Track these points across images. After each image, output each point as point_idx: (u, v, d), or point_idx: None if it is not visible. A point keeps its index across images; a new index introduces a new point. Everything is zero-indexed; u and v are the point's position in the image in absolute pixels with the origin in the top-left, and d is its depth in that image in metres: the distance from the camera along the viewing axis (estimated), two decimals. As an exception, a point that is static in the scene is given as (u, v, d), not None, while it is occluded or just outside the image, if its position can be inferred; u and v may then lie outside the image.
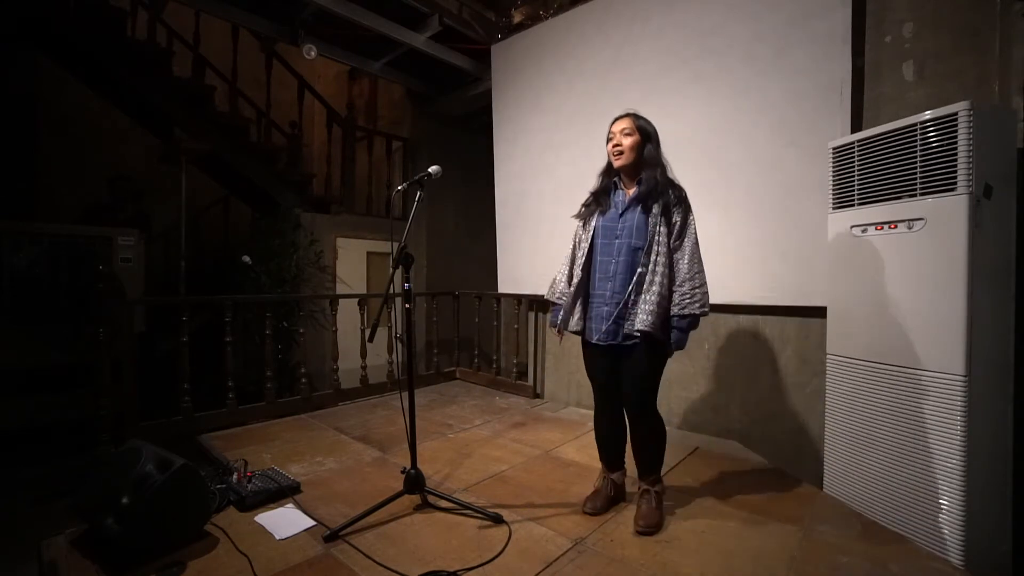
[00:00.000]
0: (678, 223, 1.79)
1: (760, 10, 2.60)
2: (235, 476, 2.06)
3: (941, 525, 1.68)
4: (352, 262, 4.86)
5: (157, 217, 4.67)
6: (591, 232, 1.91)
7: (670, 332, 1.77)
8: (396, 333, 2.03)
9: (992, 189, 1.68)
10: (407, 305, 1.96)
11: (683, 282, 1.75)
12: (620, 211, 1.86)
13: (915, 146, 1.77)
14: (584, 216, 1.97)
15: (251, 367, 3.92)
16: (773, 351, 2.66)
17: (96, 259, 3.32)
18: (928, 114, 1.75)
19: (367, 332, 2.22)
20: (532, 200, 3.88)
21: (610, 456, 2.00)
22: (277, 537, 1.72)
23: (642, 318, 1.72)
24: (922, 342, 1.76)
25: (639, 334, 1.73)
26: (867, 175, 1.96)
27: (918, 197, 1.77)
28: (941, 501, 1.69)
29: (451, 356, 4.48)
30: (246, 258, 3.96)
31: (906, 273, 1.82)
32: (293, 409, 3.24)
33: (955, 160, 1.66)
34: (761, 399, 2.71)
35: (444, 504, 1.94)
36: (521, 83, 3.91)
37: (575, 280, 1.91)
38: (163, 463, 1.67)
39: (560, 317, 1.95)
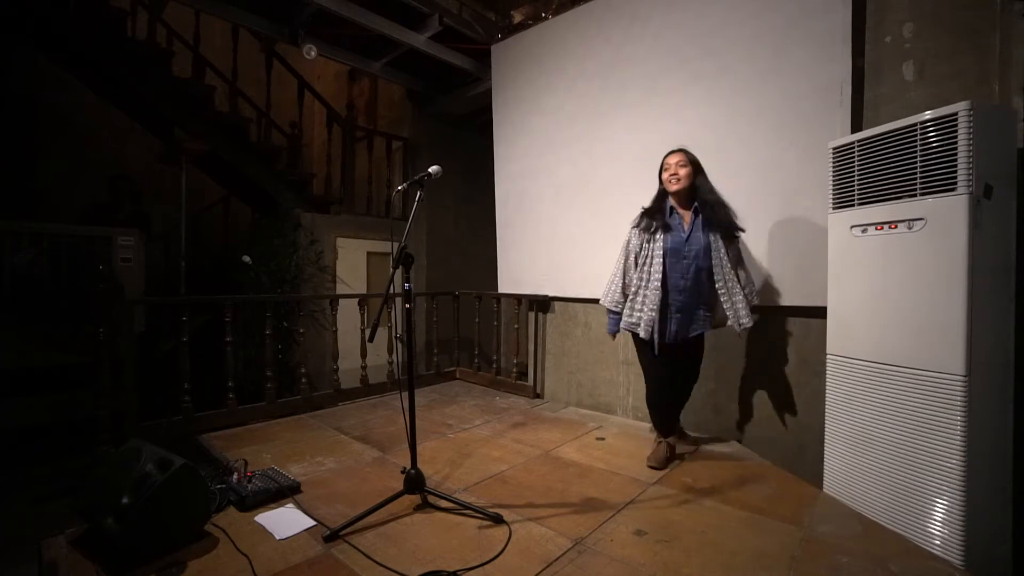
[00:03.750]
0: (734, 242, 2.27)
1: (760, 10, 2.60)
2: (235, 476, 2.06)
3: (941, 525, 1.68)
4: (352, 262, 4.86)
5: (157, 217, 4.67)
6: (658, 251, 2.24)
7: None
8: (396, 333, 2.03)
9: (992, 189, 1.68)
10: (407, 305, 1.96)
11: (745, 287, 2.27)
12: (686, 236, 2.24)
13: (915, 146, 1.77)
14: (645, 232, 2.29)
15: (251, 367, 3.92)
16: (773, 351, 2.66)
17: (96, 259, 3.32)
18: (928, 114, 1.75)
19: (367, 332, 2.22)
20: (532, 200, 3.88)
21: (668, 424, 2.47)
22: (277, 537, 1.72)
23: (744, 320, 2.22)
24: (922, 342, 1.76)
25: (741, 329, 2.24)
26: (867, 175, 1.96)
27: (918, 197, 1.77)
28: (941, 501, 1.69)
29: (451, 356, 4.48)
30: (246, 258, 3.96)
31: (906, 273, 1.82)
32: (293, 409, 3.24)
33: (955, 160, 1.66)
34: (761, 399, 2.71)
35: (444, 504, 1.94)
36: (521, 83, 3.92)
37: (647, 292, 2.27)
38: (163, 463, 1.67)
39: (627, 323, 2.33)
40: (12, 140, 4.17)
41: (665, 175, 2.28)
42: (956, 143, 1.66)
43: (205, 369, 3.20)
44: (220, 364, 3.02)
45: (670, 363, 2.31)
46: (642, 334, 2.25)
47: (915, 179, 1.78)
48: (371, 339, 1.94)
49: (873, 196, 1.93)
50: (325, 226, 4.61)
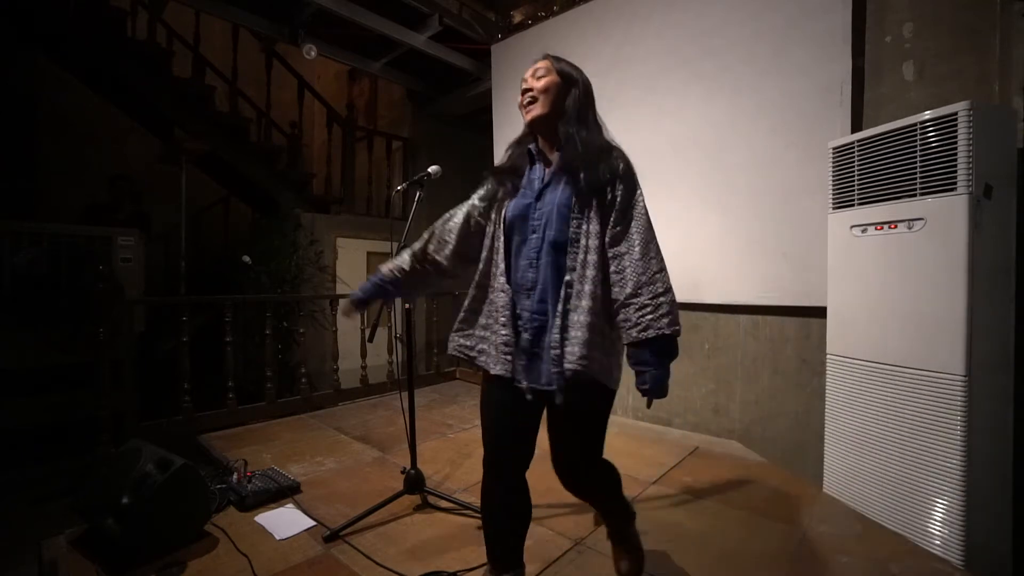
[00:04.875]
0: (618, 204, 1.20)
1: (760, 10, 2.60)
2: (235, 476, 2.06)
3: (941, 525, 1.68)
4: (352, 262, 4.86)
5: (157, 217, 4.66)
6: (501, 225, 1.31)
7: (637, 370, 1.18)
8: (396, 333, 2.04)
9: (992, 189, 1.68)
10: (407, 305, 1.96)
11: (638, 290, 1.16)
12: (536, 192, 1.29)
13: (915, 146, 1.77)
14: (490, 200, 1.37)
15: (251, 367, 3.92)
16: (773, 351, 2.66)
17: (96, 259, 3.31)
18: (928, 114, 1.75)
19: (367, 332, 2.22)
20: (532, 200, 3.87)
21: (505, 548, 1.36)
22: (277, 537, 1.72)
23: (571, 351, 1.14)
24: (922, 342, 1.76)
25: (569, 375, 1.14)
26: (867, 175, 1.96)
27: (918, 197, 1.77)
28: (941, 501, 1.69)
29: (451, 356, 4.47)
30: (246, 258, 3.96)
31: (906, 273, 1.82)
32: (293, 409, 3.24)
33: (955, 160, 1.66)
34: (761, 399, 2.71)
35: (444, 504, 1.94)
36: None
37: (493, 297, 1.30)
38: (163, 463, 1.67)
39: (457, 345, 1.36)
40: (12, 140, 4.17)
41: (520, 98, 1.33)
42: (956, 143, 1.66)
43: (205, 369, 3.20)
44: (220, 364, 3.01)
45: (518, 421, 1.34)
46: (492, 367, 1.26)
47: (915, 179, 1.78)
48: (371, 339, 1.93)
49: (873, 196, 1.93)
50: (325, 226, 4.61)
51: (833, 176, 2.11)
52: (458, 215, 1.42)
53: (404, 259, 1.45)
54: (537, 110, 1.29)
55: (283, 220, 4.44)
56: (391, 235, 2.21)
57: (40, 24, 3.51)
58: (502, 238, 1.31)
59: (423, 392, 3.84)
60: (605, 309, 1.20)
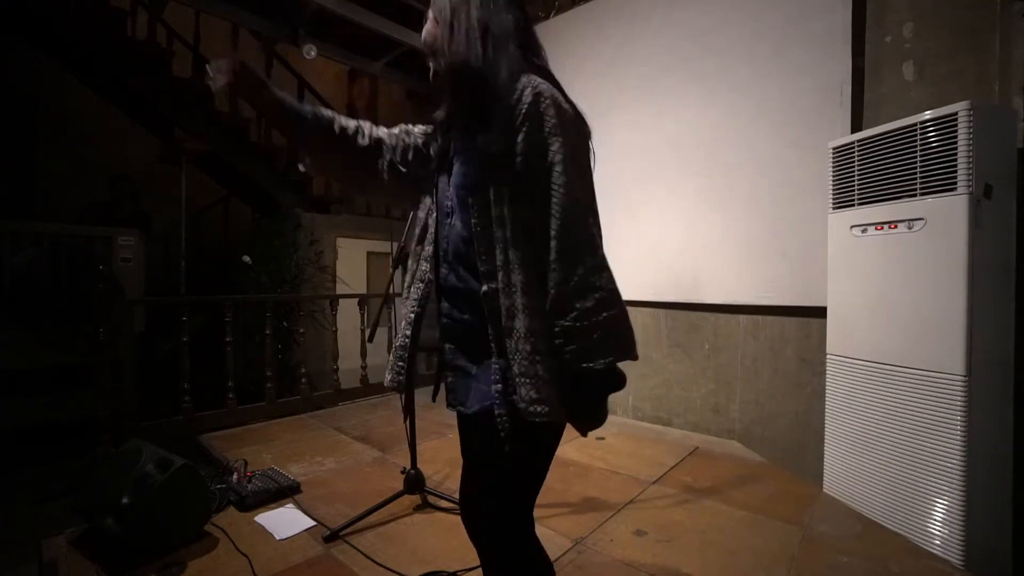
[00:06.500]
0: (521, 169, 0.85)
1: (760, 9, 2.60)
2: (235, 476, 2.06)
3: (941, 525, 1.68)
4: (352, 262, 4.86)
5: (157, 217, 4.66)
6: (431, 208, 1.00)
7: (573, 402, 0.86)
8: (395, 332, 2.03)
9: (992, 189, 1.68)
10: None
11: (560, 305, 0.83)
12: (445, 168, 0.99)
13: (915, 146, 1.77)
14: (421, 177, 1.06)
15: (251, 367, 3.92)
16: (773, 351, 2.66)
17: (96, 259, 3.31)
18: (928, 114, 1.75)
19: (367, 332, 2.22)
20: (532, 200, 3.87)
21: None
22: (277, 537, 1.72)
23: (528, 396, 0.82)
24: (922, 342, 1.76)
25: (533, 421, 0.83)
26: (867, 175, 1.96)
27: (918, 197, 1.77)
28: (941, 501, 1.69)
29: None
30: (246, 258, 3.96)
31: (906, 273, 1.82)
32: (293, 409, 3.24)
33: (955, 160, 1.66)
34: (761, 399, 2.71)
35: (444, 504, 1.94)
36: (521, 83, 3.91)
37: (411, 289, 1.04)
38: (163, 463, 1.67)
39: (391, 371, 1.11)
40: (12, 140, 4.17)
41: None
42: (956, 143, 1.66)
43: (205, 369, 3.20)
44: (220, 364, 3.02)
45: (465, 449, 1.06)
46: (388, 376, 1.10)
47: (915, 179, 1.78)
48: (371, 339, 1.94)
49: (873, 196, 1.93)
50: (325, 226, 4.61)
51: (833, 176, 2.11)
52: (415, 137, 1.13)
53: (343, 118, 1.09)
54: (424, 34, 1.00)
55: (283, 220, 4.44)
56: (391, 235, 2.22)
57: (40, 24, 3.52)
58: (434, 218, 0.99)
59: (423, 392, 3.83)
60: (544, 331, 0.85)
